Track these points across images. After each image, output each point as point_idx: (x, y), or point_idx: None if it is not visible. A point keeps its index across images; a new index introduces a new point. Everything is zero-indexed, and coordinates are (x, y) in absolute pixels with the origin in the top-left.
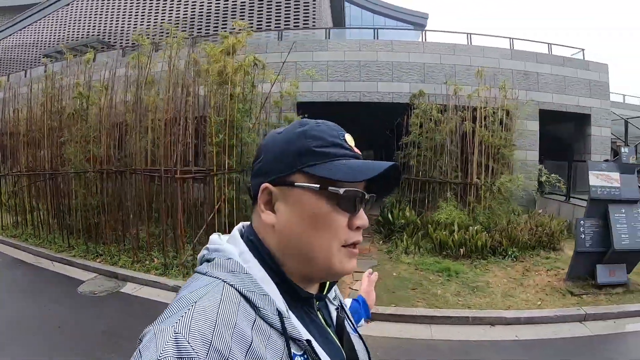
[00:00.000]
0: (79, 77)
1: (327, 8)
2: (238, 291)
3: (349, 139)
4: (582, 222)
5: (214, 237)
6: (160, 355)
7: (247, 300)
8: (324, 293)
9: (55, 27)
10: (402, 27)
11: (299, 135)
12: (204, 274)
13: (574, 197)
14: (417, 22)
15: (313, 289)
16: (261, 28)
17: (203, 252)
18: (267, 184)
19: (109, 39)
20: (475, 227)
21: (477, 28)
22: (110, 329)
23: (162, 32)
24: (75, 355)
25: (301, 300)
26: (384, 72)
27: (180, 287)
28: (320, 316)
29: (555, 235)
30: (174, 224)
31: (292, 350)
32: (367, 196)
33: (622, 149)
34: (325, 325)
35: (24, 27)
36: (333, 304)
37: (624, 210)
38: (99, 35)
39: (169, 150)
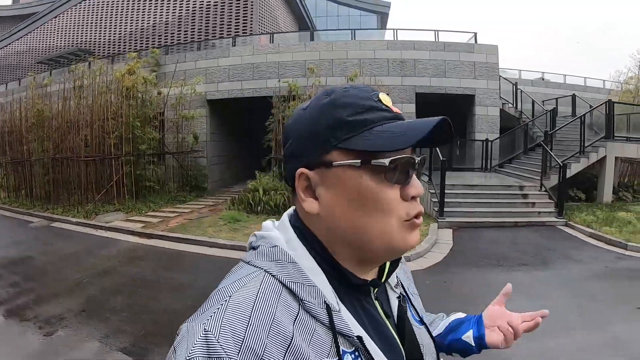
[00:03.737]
0: (43, 89)
1: (281, 13)
2: (280, 282)
3: (385, 98)
4: None
5: (267, 223)
6: (189, 355)
7: (290, 291)
8: (383, 278)
9: (46, 36)
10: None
11: (327, 107)
12: (247, 262)
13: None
14: (380, 11)
15: (369, 275)
16: (186, 39)
17: (251, 238)
18: (302, 169)
19: (89, 47)
20: (279, 191)
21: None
22: (36, 237)
23: (125, 43)
24: (16, 243)
25: (354, 288)
26: (272, 71)
27: (80, 223)
28: (377, 306)
29: None
30: (83, 190)
31: (342, 347)
32: (417, 160)
33: None
34: (383, 317)
35: (20, 37)
36: (394, 291)
37: None
38: (81, 44)
39: (77, 142)
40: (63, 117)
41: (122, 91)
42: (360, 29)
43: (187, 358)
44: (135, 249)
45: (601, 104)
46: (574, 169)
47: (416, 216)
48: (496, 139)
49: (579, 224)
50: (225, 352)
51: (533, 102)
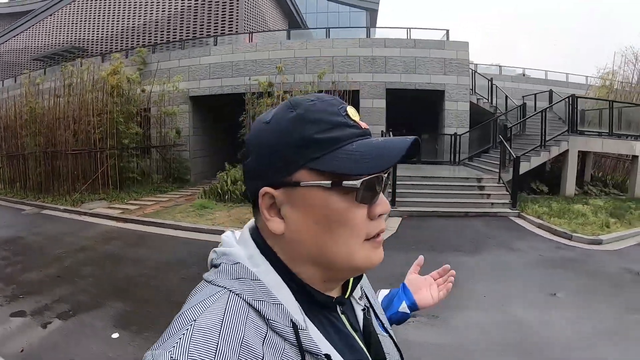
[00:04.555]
0: (36, 87)
1: (269, 10)
2: (246, 301)
3: (352, 112)
4: None
5: (227, 236)
6: None
7: (256, 311)
8: (347, 294)
9: (41, 34)
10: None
11: (293, 122)
12: (210, 282)
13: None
14: (369, 7)
15: (335, 291)
16: (175, 37)
17: (212, 255)
18: (267, 189)
19: (83, 44)
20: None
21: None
22: (27, 222)
23: (117, 40)
24: (8, 226)
25: (320, 304)
26: (250, 69)
27: (66, 210)
28: (345, 320)
29: None
30: (71, 180)
31: None
32: (384, 177)
33: None
34: (351, 330)
35: (17, 35)
36: (359, 304)
37: None
38: (75, 42)
39: (65, 136)
40: (54, 114)
41: (108, 89)
42: (335, 27)
43: None
44: (110, 231)
45: (564, 99)
46: (534, 162)
47: (378, 234)
48: (465, 133)
49: (531, 215)
50: None
51: (506, 97)
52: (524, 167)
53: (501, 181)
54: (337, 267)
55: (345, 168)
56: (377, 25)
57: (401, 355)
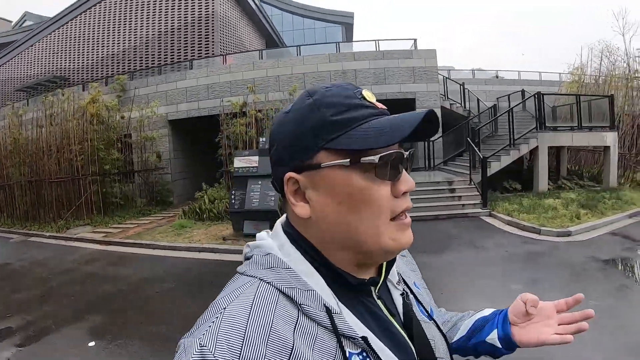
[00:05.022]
0: (19, 118)
1: (246, 32)
2: (277, 288)
3: (368, 95)
4: (233, 191)
5: (262, 233)
6: None
7: (288, 297)
8: (382, 276)
9: (23, 65)
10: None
11: (310, 108)
12: (242, 273)
13: None
14: (344, 21)
15: (368, 275)
16: (154, 63)
17: (245, 249)
18: (290, 173)
19: (65, 74)
20: (223, 200)
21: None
22: (14, 250)
23: (98, 68)
24: None
25: (354, 288)
26: (225, 90)
27: (52, 236)
28: (381, 305)
29: None
30: (56, 208)
31: (347, 350)
32: (406, 154)
33: (261, 139)
34: (388, 315)
35: (1, 65)
36: (397, 288)
37: (260, 182)
38: (56, 72)
39: (48, 165)
40: (37, 144)
41: (87, 118)
42: (306, 45)
43: None
44: (93, 254)
45: (530, 97)
46: (504, 161)
47: (405, 213)
48: (437, 138)
49: (501, 213)
50: None
51: (478, 101)
52: (495, 167)
53: (472, 182)
54: (365, 249)
55: (359, 144)
56: (353, 40)
57: (447, 342)
